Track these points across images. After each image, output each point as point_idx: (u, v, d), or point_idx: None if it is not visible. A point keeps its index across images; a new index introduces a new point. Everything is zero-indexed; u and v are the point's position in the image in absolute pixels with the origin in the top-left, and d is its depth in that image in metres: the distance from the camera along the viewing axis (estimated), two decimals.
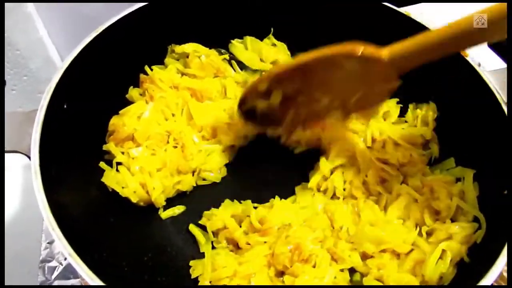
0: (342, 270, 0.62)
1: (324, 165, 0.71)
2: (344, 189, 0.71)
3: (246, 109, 0.70)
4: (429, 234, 0.63)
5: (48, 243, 0.74)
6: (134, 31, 0.73)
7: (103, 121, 0.70)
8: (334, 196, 0.71)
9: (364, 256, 0.64)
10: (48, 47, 1.02)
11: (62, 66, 0.64)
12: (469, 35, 0.50)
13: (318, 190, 0.72)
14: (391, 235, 0.63)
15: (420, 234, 0.63)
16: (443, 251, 0.60)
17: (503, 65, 0.70)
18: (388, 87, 0.60)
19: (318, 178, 0.72)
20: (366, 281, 0.61)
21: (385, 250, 0.63)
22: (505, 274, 0.71)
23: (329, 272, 0.60)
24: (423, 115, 0.76)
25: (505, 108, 0.62)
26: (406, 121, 0.78)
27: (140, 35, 0.74)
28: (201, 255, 0.64)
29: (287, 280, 0.60)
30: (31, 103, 1.01)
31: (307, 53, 0.61)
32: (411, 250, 0.62)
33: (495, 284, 0.67)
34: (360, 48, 0.56)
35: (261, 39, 0.85)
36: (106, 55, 0.70)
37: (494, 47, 0.74)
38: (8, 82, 0.98)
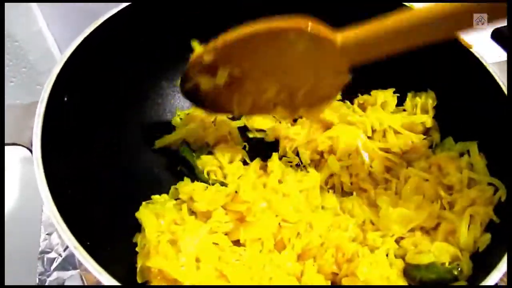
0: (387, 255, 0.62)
1: (333, 163, 0.71)
2: (351, 183, 0.71)
3: (189, 87, 0.64)
4: (451, 205, 0.63)
5: (47, 234, 0.74)
6: (134, 23, 0.72)
7: (104, 113, 0.69)
8: (343, 192, 0.72)
9: (396, 242, 0.64)
10: (47, 39, 1.01)
11: (62, 58, 0.63)
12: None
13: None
14: (415, 212, 0.63)
15: (442, 206, 0.63)
16: (471, 216, 0.60)
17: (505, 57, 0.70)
18: (338, 81, 0.57)
19: (325, 176, 0.72)
20: (409, 259, 0.61)
21: (414, 229, 0.63)
22: None
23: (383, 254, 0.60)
24: (422, 103, 0.76)
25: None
26: (404, 110, 0.78)
27: (139, 27, 0.73)
28: None
29: (345, 282, 0.59)
30: (29, 95, 1.00)
31: (256, 23, 0.55)
32: (439, 224, 0.63)
33: None
34: (311, 24, 0.51)
35: None
36: (106, 47, 0.69)
37: (497, 39, 0.73)
38: (7, 73, 0.97)
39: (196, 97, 0.66)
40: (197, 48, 0.61)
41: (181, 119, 0.80)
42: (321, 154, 0.75)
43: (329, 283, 0.61)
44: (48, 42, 1.01)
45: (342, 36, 0.51)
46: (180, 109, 0.82)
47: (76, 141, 0.63)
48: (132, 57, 0.74)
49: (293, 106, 0.62)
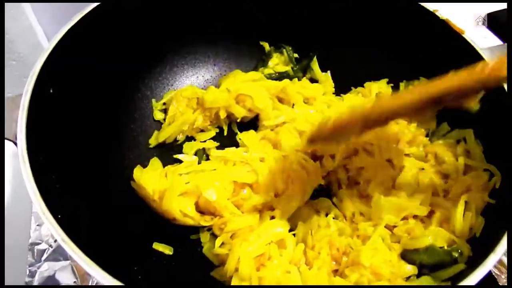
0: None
1: (328, 162, 0.70)
2: (348, 178, 0.70)
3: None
4: (446, 193, 0.63)
5: (37, 225, 0.73)
6: (119, 15, 0.71)
7: (90, 105, 0.68)
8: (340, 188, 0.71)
9: (389, 230, 0.63)
10: (37, 33, 1.00)
11: (47, 48, 0.62)
12: None
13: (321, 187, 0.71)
14: (407, 200, 0.62)
15: (437, 194, 0.63)
16: (466, 203, 0.60)
17: (498, 42, 0.69)
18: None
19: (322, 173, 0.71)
20: (404, 244, 0.60)
21: (407, 218, 0.63)
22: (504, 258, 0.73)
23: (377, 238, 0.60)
24: None
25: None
26: None
27: (126, 18, 0.72)
28: None
29: (349, 272, 0.58)
30: (19, 88, 0.99)
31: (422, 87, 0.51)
32: (433, 213, 0.62)
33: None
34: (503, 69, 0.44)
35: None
36: (91, 38, 0.68)
37: (490, 26, 0.72)
38: None
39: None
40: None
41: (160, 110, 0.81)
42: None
43: (339, 279, 0.59)
44: (38, 35, 1.00)
45: None
46: (157, 101, 0.81)
47: (62, 133, 0.62)
48: (118, 48, 0.73)
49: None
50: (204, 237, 0.67)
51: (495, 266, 0.71)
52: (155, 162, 0.71)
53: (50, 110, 0.61)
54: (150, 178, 0.66)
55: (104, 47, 0.70)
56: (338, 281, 0.57)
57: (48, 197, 0.51)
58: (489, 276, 0.71)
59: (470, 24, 0.76)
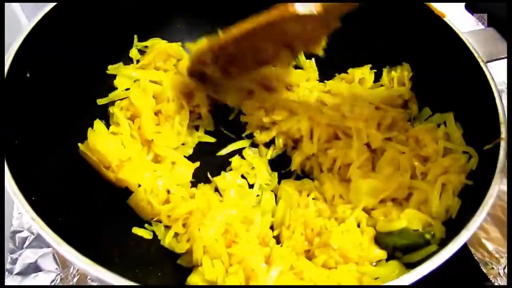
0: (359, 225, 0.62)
1: (307, 146, 0.70)
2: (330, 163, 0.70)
3: (196, 74, 0.72)
4: (424, 176, 0.63)
5: (19, 213, 0.73)
6: None
7: (69, 90, 0.67)
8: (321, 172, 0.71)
9: (367, 213, 0.63)
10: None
11: (25, 30, 0.61)
12: None
13: (302, 171, 0.73)
14: (385, 182, 0.63)
15: (415, 176, 0.63)
16: (443, 185, 0.60)
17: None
18: (328, 29, 0.62)
19: (300, 159, 0.72)
20: (379, 227, 0.61)
21: (385, 200, 0.63)
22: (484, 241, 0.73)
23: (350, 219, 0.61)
24: (398, 76, 0.76)
25: (482, 64, 0.62)
26: (382, 85, 0.78)
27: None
28: None
29: (318, 253, 0.59)
30: None
31: (245, 23, 0.60)
32: (411, 195, 0.62)
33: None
34: (293, 8, 0.56)
35: None
36: (70, 21, 0.67)
37: (471, 9, 0.72)
38: None
39: (199, 77, 0.73)
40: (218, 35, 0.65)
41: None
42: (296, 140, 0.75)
43: (304, 259, 0.59)
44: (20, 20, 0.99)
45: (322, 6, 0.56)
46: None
47: (39, 117, 0.61)
48: (101, 31, 0.72)
49: (293, 51, 0.68)
50: (159, 230, 0.65)
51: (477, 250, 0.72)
52: (98, 124, 0.70)
53: (26, 94, 0.60)
54: (108, 144, 0.65)
55: (86, 30, 0.70)
56: (302, 261, 0.57)
57: (21, 178, 0.50)
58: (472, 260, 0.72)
59: (470, 23, 0.75)
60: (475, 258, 0.71)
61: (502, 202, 0.78)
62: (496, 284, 0.68)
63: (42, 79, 0.62)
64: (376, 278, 0.55)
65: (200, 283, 0.57)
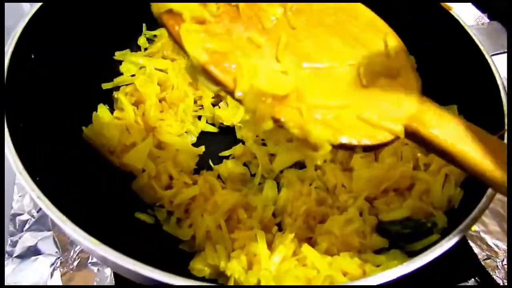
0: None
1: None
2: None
3: None
4: (427, 167, 0.63)
5: (20, 196, 0.73)
6: None
7: (74, 72, 0.67)
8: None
9: (369, 202, 0.63)
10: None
11: (29, 11, 0.60)
12: None
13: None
14: (388, 172, 0.63)
15: (418, 167, 0.63)
16: (446, 175, 0.60)
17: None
18: None
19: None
20: (381, 216, 0.61)
21: (387, 190, 0.63)
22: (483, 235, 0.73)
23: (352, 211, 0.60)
24: None
25: (487, 56, 0.62)
26: None
27: None
28: None
29: (320, 240, 0.59)
30: None
31: None
32: (413, 185, 0.63)
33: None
34: None
35: None
36: (80, 7, 0.66)
37: (477, 3, 0.72)
38: None
39: None
40: None
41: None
42: None
43: (306, 245, 0.59)
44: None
45: None
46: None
47: (43, 100, 0.61)
48: (104, 14, 0.71)
49: None
50: (161, 215, 0.65)
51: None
52: (102, 108, 0.70)
53: (31, 75, 0.59)
54: (112, 129, 0.65)
55: (90, 12, 0.68)
56: (305, 247, 0.57)
57: (29, 163, 0.50)
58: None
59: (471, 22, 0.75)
60: (474, 251, 0.72)
61: (501, 196, 0.78)
62: (494, 276, 0.69)
63: (47, 60, 0.62)
64: (378, 266, 0.55)
65: (202, 268, 0.57)
